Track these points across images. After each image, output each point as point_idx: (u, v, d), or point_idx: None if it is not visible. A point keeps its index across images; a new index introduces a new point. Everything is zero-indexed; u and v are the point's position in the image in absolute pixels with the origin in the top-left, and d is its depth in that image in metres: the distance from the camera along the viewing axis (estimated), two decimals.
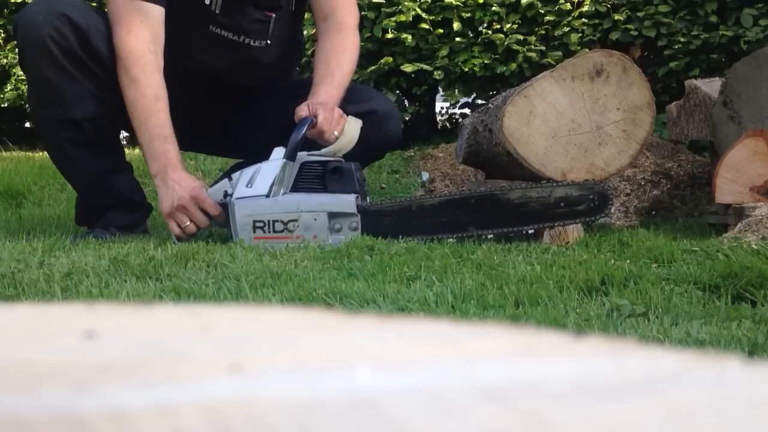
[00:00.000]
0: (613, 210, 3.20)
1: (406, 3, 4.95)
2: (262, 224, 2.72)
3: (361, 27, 4.98)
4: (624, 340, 0.45)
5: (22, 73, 5.86)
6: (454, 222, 2.75)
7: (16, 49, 3.71)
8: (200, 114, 3.12)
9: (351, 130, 2.84)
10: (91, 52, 2.87)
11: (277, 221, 2.72)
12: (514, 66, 4.92)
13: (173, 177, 2.81)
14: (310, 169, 2.77)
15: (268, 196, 2.73)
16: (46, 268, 2.26)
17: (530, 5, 4.94)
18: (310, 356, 0.42)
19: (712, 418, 0.34)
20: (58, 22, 2.84)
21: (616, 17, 4.88)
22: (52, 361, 0.40)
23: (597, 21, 4.94)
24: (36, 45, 2.85)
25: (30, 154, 5.54)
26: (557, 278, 2.11)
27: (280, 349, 0.44)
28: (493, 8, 4.97)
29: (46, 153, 5.10)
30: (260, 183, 2.75)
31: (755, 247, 2.44)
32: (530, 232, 2.83)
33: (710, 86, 3.57)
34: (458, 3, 4.96)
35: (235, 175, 2.83)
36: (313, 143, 2.83)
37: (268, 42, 3.09)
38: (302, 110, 2.80)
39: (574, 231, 2.86)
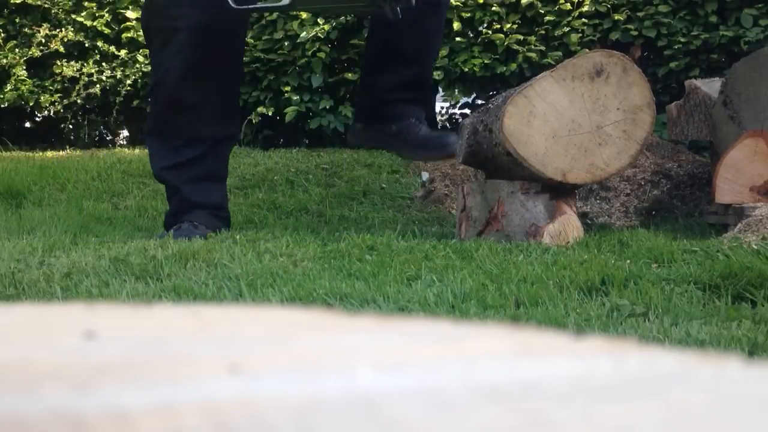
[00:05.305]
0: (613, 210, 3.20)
1: None
2: None
3: (363, 28, 4.99)
4: (624, 340, 0.45)
5: (22, 73, 5.84)
6: None
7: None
8: None
9: None
10: None
11: None
12: (514, 66, 4.92)
13: None
14: None
15: None
16: (46, 268, 2.25)
17: (530, 5, 4.94)
18: (310, 356, 0.42)
19: (712, 418, 0.34)
20: None
21: (616, 17, 4.88)
22: (52, 361, 0.40)
23: (597, 21, 4.94)
24: None
25: (30, 154, 5.53)
26: (557, 278, 2.11)
27: (280, 349, 0.44)
28: (493, 8, 4.97)
29: (46, 153, 5.10)
30: None
31: (755, 247, 2.44)
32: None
33: (710, 86, 3.57)
34: (458, 3, 4.96)
35: None
36: None
37: None
38: None
39: (575, 231, 2.85)
